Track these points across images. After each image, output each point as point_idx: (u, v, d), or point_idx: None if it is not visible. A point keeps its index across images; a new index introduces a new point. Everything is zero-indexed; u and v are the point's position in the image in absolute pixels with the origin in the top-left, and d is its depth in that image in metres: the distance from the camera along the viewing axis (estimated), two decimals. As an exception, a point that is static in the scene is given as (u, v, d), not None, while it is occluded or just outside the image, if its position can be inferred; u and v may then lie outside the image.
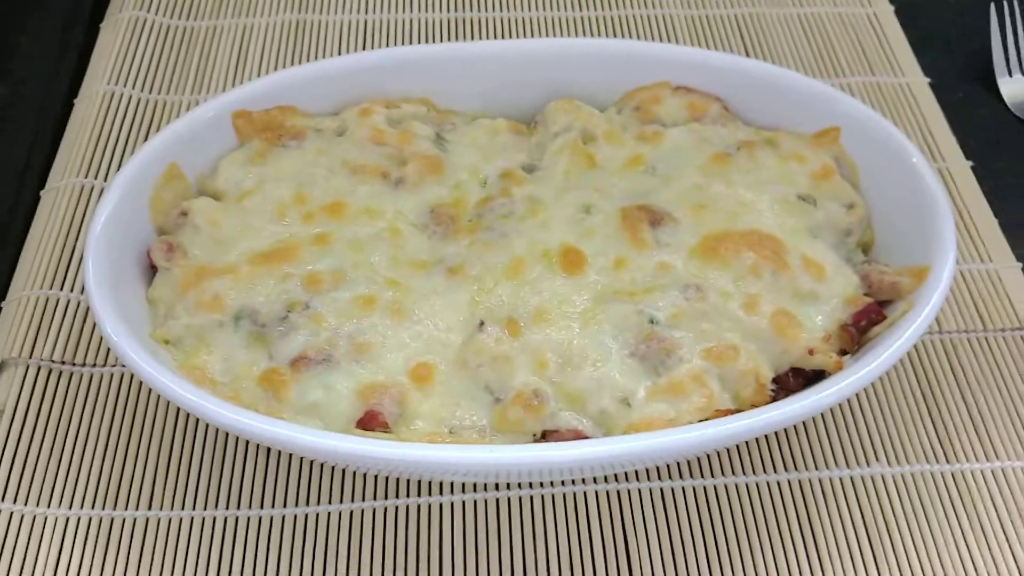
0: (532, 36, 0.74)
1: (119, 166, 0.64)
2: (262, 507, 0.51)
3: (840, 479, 0.52)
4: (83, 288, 0.58)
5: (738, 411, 0.46)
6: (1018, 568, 0.49)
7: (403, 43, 0.73)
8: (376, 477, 0.52)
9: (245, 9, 0.75)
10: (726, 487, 0.52)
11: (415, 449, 0.42)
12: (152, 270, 0.52)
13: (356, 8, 0.75)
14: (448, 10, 0.75)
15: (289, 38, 0.73)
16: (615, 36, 0.74)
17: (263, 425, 0.42)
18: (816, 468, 0.52)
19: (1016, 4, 0.74)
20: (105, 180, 0.63)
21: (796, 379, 0.48)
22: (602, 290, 0.49)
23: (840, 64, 0.73)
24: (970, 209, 0.64)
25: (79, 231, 0.61)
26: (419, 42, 0.73)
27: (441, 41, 0.73)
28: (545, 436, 0.46)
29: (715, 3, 0.77)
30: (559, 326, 0.48)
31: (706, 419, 0.45)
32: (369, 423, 0.45)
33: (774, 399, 0.47)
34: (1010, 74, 0.72)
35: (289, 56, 0.72)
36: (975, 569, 0.49)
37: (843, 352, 0.49)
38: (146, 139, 0.66)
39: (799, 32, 0.75)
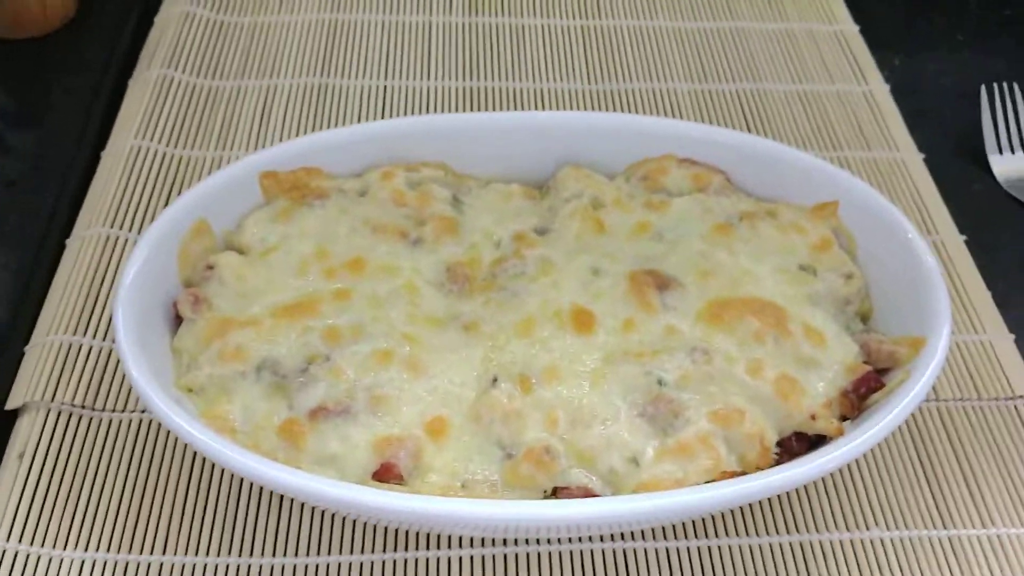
0: (543, 106, 0.77)
1: (144, 217, 0.67)
2: (274, 555, 0.52)
3: (840, 542, 0.53)
4: (105, 334, 0.60)
5: (743, 473, 0.47)
6: (1014, 635, 0.50)
7: (420, 109, 0.76)
8: (386, 529, 0.53)
9: (269, 71, 0.78)
10: (729, 548, 0.53)
11: (431, 502, 0.44)
12: (177, 321, 0.53)
13: (376, 75, 0.79)
14: (464, 79, 0.79)
15: (311, 100, 0.76)
16: (623, 108, 0.77)
17: (286, 475, 0.44)
18: (816, 531, 0.54)
19: (1006, 86, 0.78)
20: (130, 231, 0.66)
21: (799, 443, 0.50)
22: (611, 351, 0.51)
23: (838, 139, 0.76)
24: (964, 281, 0.66)
25: (103, 279, 0.63)
26: (436, 108, 0.76)
27: (456, 108, 0.76)
28: (555, 492, 0.48)
29: (718, 79, 0.81)
30: (569, 384, 0.50)
31: (713, 480, 0.46)
32: (385, 475, 0.47)
33: (778, 462, 0.48)
34: (1000, 152, 0.76)
35: (310, 117, 0.75)
36: (972, 635, 0.50)
37: (843, 418, 0.50)
38: (171, 192, 0.69)
39: (799, 108, 0.79)
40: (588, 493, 0.47)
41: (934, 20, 0.91)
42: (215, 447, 0.45)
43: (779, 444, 0.49)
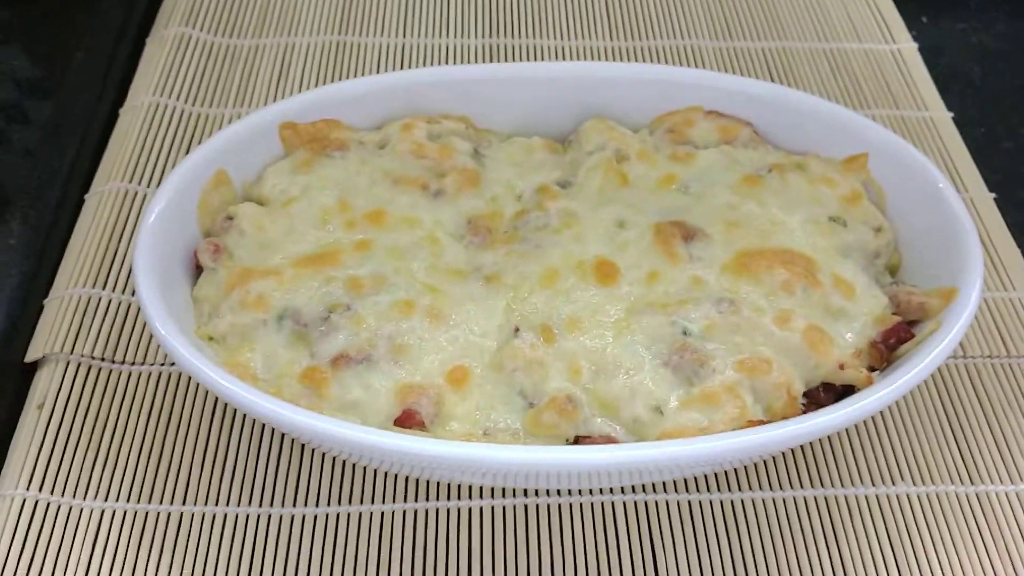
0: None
1: (162, 173, 0.66)
2: (294, 505, 0.51)
3: (866, 496, 0.53)
4: (124, 287, 0.60)
5: (770, 423, 0.46)
6: (1044, 590, 0.49)
7: (440, 66, 0.75)
8: (407, 479, 0.52)
9: (287, 29, 0.78)
10: (753, 501, 0.52)
11: (453, 447, 0.43)
12: (197, 271, 0.53)
13: (395, 32, 0.78)
14: (483, 36, 0.78)
15: (329, 58, 0.76)
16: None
17: (309, 420, 0.43)
18: (842, 485, 0.53)
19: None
20: (148, 186, 0.65)
21: (827, 394, 0.49)
22: (635, 301, 0.50)
23: (865, 97, 0.75)
24: (993, 239, 0.65)
25: (122, 233, 0.62)
26: (456, 65, 0.75)
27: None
28: (578, 442, 0.47)
29: (743, 36, 0.79)
30: (593, 335, 0.49)
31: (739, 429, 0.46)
32: (406, 422, 0.46)
33: (804, 413, 0.48)
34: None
35: (329, 75, 0.74)
36: (1000, 590, 0.49)
37: (872, 369, 0.50)
38: (189, 148, 0.68)
39: (825, 66, 0.77)
40: (611, 442, 0.46)
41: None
42: (239, 393, 0.44)
43: (806, 395, 0.49)
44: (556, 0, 0.81)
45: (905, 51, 0.79)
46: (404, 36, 0.77)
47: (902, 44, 0.79)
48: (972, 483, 0.53)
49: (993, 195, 0.68)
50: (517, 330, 0.49)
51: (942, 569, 0.50)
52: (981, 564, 0.50)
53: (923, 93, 0.75)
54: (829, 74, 0.77)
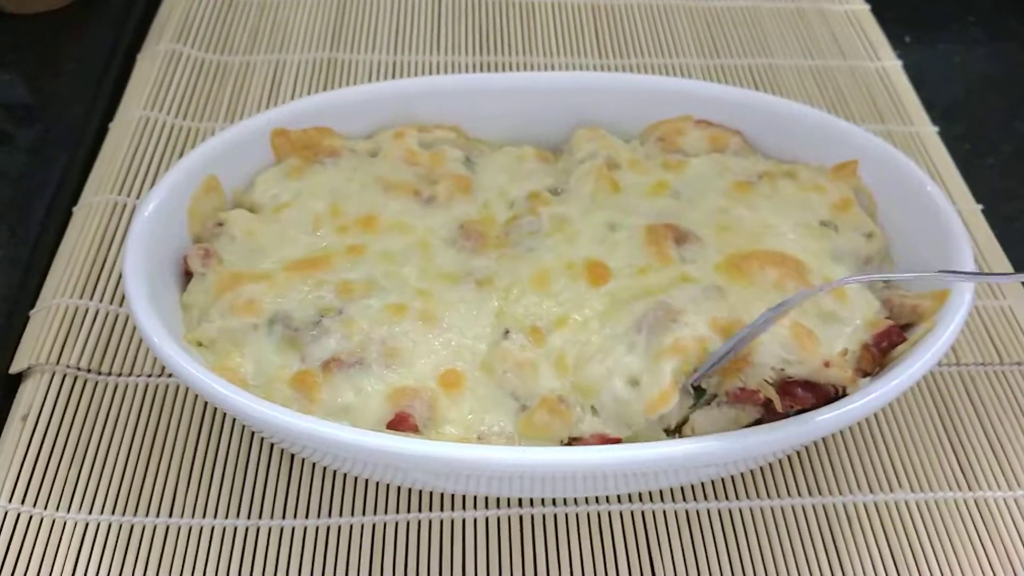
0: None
1: (152, 184, 0.66)
2: (284, 517, 0.50)
3: (864, 504, 0.52)
4: (112, 298, 0.59)
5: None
6: (1045, 595, 0.49)
7: (430, 82, 0.75)
8: (399, 489, 0.51)
9: (278, 47, 0.78)
10: (751, 510, 0.52)
11: (447, 448, 0.42)
12: (186, 278, 0.52)
13: (385, 49, 0.78)
14: (474, 54, 0.78)
15: (320, 75, 0.76)
16: (635, 80, 0.76)
17: (300, 422, 0.42)
18: (840, 493, 0.52)
19: None
20: (137, 198, 0.65)
21: (806, 392, 0.47)
22: (622, 292, 0.50)
23: (851, 112, 0.75)
24: (982, 248, 0.65)
25: (110, 244, 0.62)
26: (446, 81, 0.75)
27: (467, 81, 0.75)
28: (571, 444, 0.46)
29: (730, 53, 0.80)
30: (578, 327, 0.48)
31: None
32: (399, 425, 0.46)
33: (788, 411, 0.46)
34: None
35: (319, 90, 0.74)
36: (1002, 596, 0.49)
37: (865, 373, 0.49)
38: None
39: (811, 82, 0.78)
40: (604, 440, 0.46)
41: (944, 1, 0.90)
42: (229, 396, 0.43)
43: (786, 391, 0.47)
44: (546, 19, 0.82)
45: (889, 68, 0.80)
46: (395, 53, 0.78)
47: (886, 62, 0.81)
48: (970, 489, 0.53)
49: (980, 206, 0.68)
50: (507, 332, 0.49)
51: (943, 574, 0.49)
52: (982, 570, 0.50)
53: (908, 108, 0.76)
54: (815, 90, 0.78)
